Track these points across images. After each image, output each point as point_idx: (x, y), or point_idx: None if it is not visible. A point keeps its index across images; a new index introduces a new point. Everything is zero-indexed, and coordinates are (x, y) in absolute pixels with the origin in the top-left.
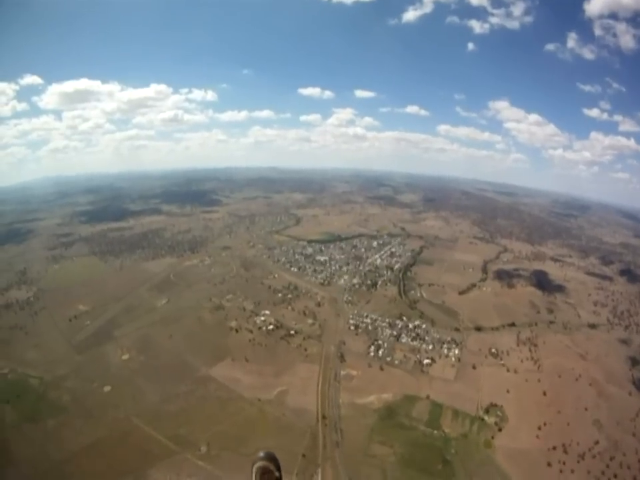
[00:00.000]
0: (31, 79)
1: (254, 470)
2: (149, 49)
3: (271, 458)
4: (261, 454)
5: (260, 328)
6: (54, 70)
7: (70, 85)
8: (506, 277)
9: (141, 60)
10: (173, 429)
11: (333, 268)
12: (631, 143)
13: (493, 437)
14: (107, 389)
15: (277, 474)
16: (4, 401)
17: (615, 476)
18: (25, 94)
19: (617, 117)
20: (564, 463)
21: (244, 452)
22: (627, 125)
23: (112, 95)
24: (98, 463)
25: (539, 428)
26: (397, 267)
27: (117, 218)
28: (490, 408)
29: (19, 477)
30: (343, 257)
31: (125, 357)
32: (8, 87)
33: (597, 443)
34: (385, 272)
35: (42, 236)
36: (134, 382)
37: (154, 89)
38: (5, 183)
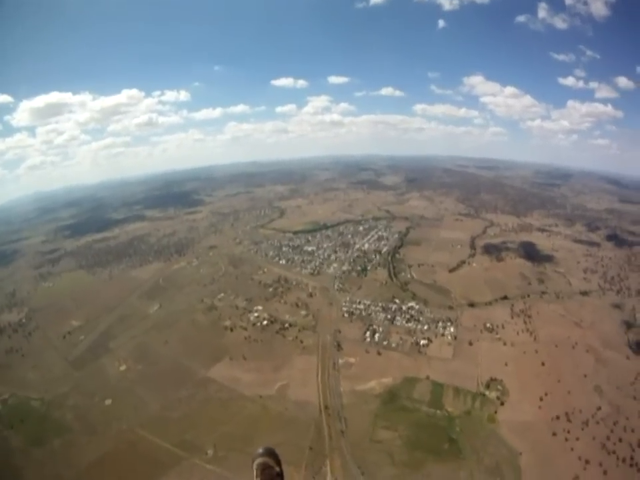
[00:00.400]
0: (0, 98)
1: (254, 466)
2: (117, 55)
3: (271, 453)
4: (260, 450)
5: (254, 324)
6: (23, 86)
7: (41, 100)
8: (494, 250)
9: (110, 67)
10: (178, 435)
11: (322, 257)
12: (608, 109)
13: (495, 412)
14: (108, 402)
15: (277, 469)
16: (8, 427)
17: (620, 440)
18: None
19: (593, 84)
20: (569, 432)
21: (250, 451)
22: (603, 92)
23: (84, 105)
24: (108, 477)
25: (541, 399)
26: (385, 250)
27: (100, 228)
28: (490, 383)
29: None
30: (330, 245)
31: (123, 367)
32: None
33: (599, 408)
34: (374, 256)
35: (27, 255)
36: (134, 392)
37: (125, 95)
38: None
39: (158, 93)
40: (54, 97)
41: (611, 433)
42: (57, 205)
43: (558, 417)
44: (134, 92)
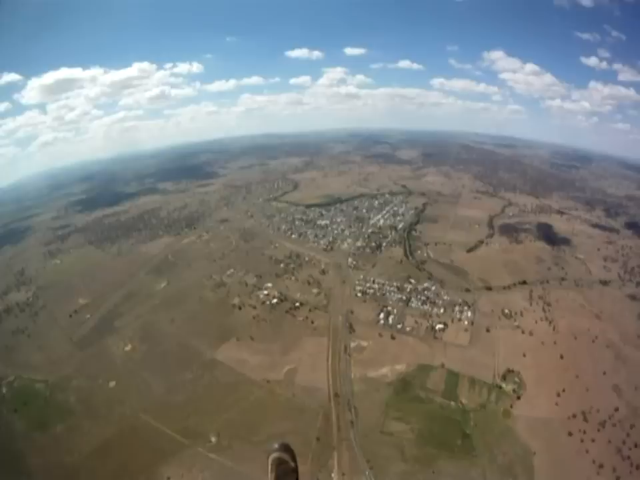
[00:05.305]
0: (8, 77)
1: (270, 461)
2: (127, 28)
3: (286, 448)
4: (276, 445)
5: (263, 303)
6: (31, 64)
7: (50, 77)
8: (513, 231)
9: (120, 40)
10: (181, 420)
11: (335, 232)
12: (631, 92)
13: (511, 406)
14: (112, 384)
15: (292, 464)
16: (12, 411)
17: (636, 445)
18: (4, 92)
19: (617, 66)
20: (584, 432)
21: (255, 440)
22: (626, 74)
23: (94, 79)
24: (109, 464)
25: (558, 394)
26: (400, 226)
27: (112, 203)
28: (507, 374)
29: None
30: (344, 219)
31: (128, 348)
32: None
33: (616, 410)
34: (389, 232)
35: (38, 232)
36: (138, 374)
37: (137, 68)
38: None
39: (170, 65)
40: (63, 72)
41: (627, 437)
42: (70, 181)
43: (574, 416)
44: (145, 65)
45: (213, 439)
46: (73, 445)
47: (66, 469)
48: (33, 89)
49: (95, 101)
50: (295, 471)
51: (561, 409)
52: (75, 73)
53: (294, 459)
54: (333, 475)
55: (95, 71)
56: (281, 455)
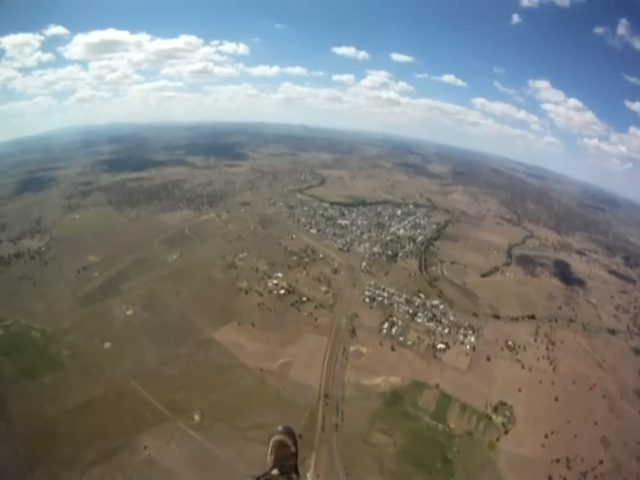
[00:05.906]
0: (55, 30)
1: (271, 443)
2: None
3: (288, 432)
4: (279, 427)
5: (271, 291)
6: (79, 20)
7: (96, 35)
8: (530, 264)
9: (170, 10)
10: (168, 393)
11: (354, 234)
12: None
13: (497, 439)
14: (107, 345)
15: (293, 449)
16: (4, 354)
17: None
18: (49, 44)
19: None
20: (565, 479)
21: (238, 425)
22: None
23: (140, 45)
24: (90, 423)
25: (546, 436)
26: (419, 239)
27: (138, 168)
28: (499, 406)
29: (12, 433)
30: (365, 222)
31: (129, 312)
32: (32, 38)
33: (601, 462)
34: (407, 243)
35: (61, 184)
36: (135, 340)
37: (183, 40)
38: (31, 132)
39: (216, 42)
40: (110, 33)
41: None
42: (101, 140)
43: (558, 460)
44: (192, 38)
45: (196, 417)
46: (57, 398)
47: (45, 419)
48: (78, 44)
49: (138, 66)
50: (295, 455)
51: (546, 451)
52: (122, 35)
53: (295, 444)
54: (308, 474)
55: (142, 37)
56: (282, 438)
